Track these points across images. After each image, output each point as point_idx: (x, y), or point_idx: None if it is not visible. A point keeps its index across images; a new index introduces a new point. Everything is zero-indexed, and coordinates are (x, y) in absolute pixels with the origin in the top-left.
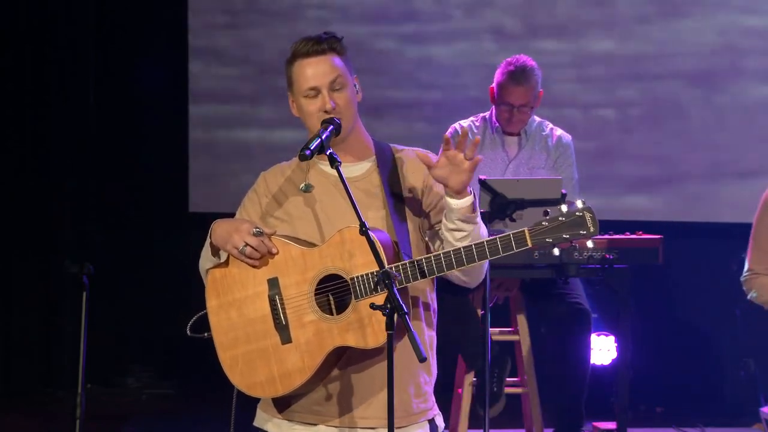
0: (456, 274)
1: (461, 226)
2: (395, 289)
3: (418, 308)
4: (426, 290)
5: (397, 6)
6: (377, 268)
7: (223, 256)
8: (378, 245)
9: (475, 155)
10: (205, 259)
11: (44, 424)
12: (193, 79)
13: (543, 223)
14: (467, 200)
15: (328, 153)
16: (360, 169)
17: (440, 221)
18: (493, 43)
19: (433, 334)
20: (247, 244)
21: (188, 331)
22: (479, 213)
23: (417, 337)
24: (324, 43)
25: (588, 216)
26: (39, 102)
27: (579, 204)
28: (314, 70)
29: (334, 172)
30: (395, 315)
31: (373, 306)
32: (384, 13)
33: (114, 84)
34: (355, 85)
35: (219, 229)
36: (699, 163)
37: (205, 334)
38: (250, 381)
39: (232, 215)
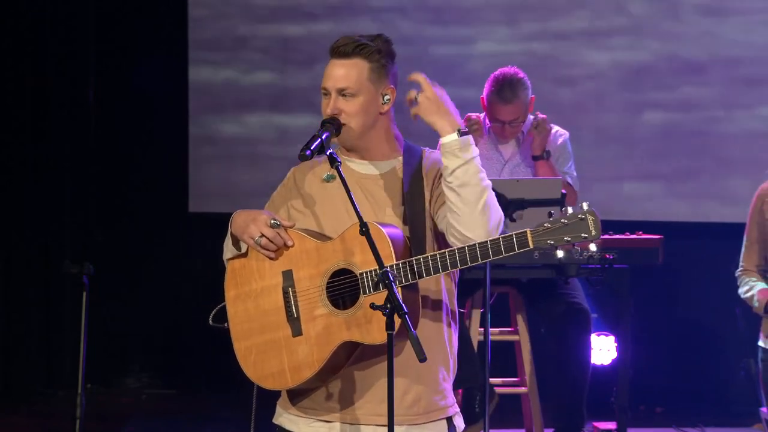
0: (452, 222)
1: (444, 162)
2: (395, 288)
3: (440, 306)
4: (442, 286)
5: None
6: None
7: (244, 247)
8: (388, 242)
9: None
10: (226, 249)
11: (44, 424)
12: (193, 79)
13: (545, 224)
14: (449, 138)
15: (327, 153)
16: (383, 167)
17: (440, 217)
18: None
19: (453, 331)
20: (262, 235)
21: (210, 321)
22: (471, 156)
23: (417, 337)
24: (351, 47)
25: (591, 219)
26: (39, 102)
27: (584, 206)
28: (331, 72)
29: (358, 168)
30: (395, 315)
31: (373, 306)
32: None
33: (114, 83)
34: (383, 95)
35: (238, 218)
36: (700, 162)
37: (225, 324)
38: (261, 372)
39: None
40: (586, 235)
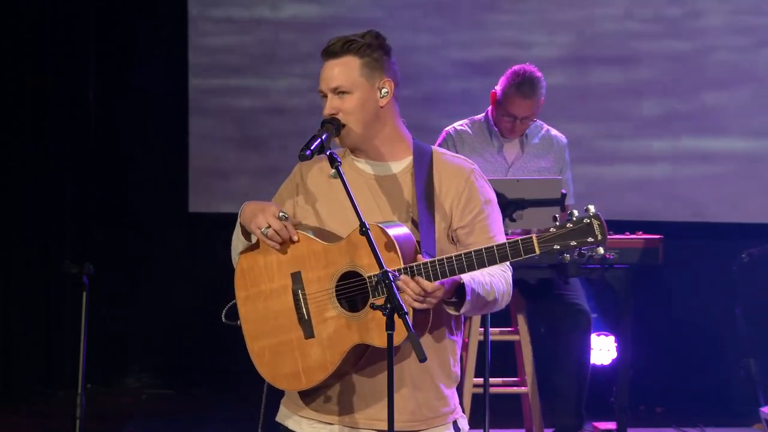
0: None
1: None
2: (395, 288)
3: (440, 313)
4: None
5: None
6: (389, 268)
7: (254, 238)
8: (394, 244)
9: None
10: (236, 240)
11: (44, 424)
12: (194, 79)
13: (551, 229)
14: (454, 312)
15: (327, 153)
16: (393, 168)
17: (465, 245)
18: None
19: (457, 338)
20: (269, 226)
21: (223, 318)
22: (470, 301)
23: (417, 337)
24: (338, 45)
25: (596, 223)
26: (39, 101)
27: (590, 210)
28: (324, 74)
29: (367, 168)
30: (395, 315)
31: (373, 306)
32: None
33: (114, 83)
34: (381, 89)
35: (247, 208)
36: (699, 162)
37: (238, 322)
38: (275, 373)
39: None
40: (592, 240)
